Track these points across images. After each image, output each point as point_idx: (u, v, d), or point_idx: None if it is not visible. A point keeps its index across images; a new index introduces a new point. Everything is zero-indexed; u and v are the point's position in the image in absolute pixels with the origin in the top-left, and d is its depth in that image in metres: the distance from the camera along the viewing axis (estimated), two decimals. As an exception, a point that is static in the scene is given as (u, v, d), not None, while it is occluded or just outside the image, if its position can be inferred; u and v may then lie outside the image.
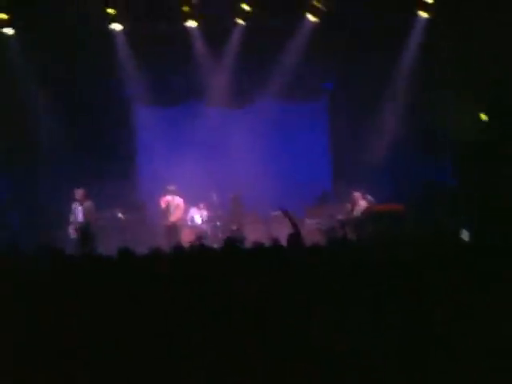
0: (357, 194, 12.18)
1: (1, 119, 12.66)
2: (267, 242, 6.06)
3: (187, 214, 12.82)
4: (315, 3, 11.75)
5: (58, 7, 11.66)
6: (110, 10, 11.82)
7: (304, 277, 4.49)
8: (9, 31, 11.94)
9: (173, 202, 12.43)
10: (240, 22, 12.20)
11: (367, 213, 11.78)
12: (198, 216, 12.88)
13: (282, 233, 11.61)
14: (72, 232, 11.61)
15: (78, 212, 11.84)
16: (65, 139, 12.86)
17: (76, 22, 11.91)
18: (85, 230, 10.75)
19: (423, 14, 12.13)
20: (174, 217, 12.43)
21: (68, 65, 12.82)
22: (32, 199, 12.80)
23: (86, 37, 12.38)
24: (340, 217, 12.11)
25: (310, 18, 12.03)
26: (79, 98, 13.24)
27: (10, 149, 13.04)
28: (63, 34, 12.27)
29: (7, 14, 11.69)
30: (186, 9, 11.81)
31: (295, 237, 6.09)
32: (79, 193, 11.81)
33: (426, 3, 11.93)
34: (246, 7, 11.79)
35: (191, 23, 12.09)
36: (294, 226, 6.23)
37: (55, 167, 12.99)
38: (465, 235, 7.63)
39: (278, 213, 12.51)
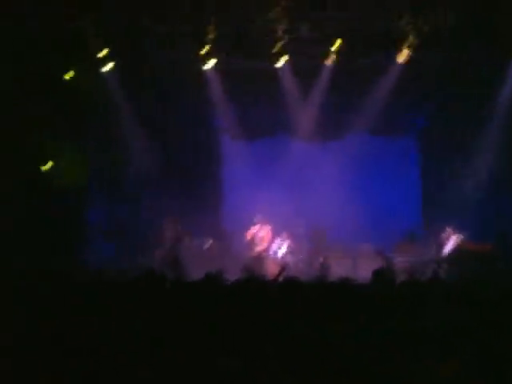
0: (448, 232, 11.96)
1: (99, 152, 13.36)
2: (354, 277, 6.05)
3: (272, 245, 12.95)
4: (405, 49, 11.72)
5: (153, 46, 12.24)
6: (203, 51, 12.18)
7: (387, 313, 4.49)
8: (108, 67, 12.52)
9: (259, 233, 12.65)
10: (329, 62, 12.27)
11: (458, 251, 11.53)
12: (282, 247, 12.97)
13: (369, 268, 11.60)
14: (158, 256, 12.10)
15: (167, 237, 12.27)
16: (153, 168, 13.32)
17: (171, 60, 12.44)
18: (175, 255, 11.20)
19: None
20: (259, 248, 12.65)
21: (161, 97, 13.37)
22: (128, 228, 13.27)
23: (180, 74, 12.88)
24: (430, 255, 11.91)
25: (401, 57, 11.99)
26: (170, 130, 13.75)
27: (107, 181, 13.69)
28: (158, 70, 12.83)
29: (106, 50, 12.26)
30: (275, 50, 12.04)
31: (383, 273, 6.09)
32: (169, 220, 12.31)
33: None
34: (334, 48, 11.89)
35: (280, 63, 12.27)
36: (389, 264, 6.20)
37: (148, 197, 13.43)
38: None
39: (365, 248, 12.50)
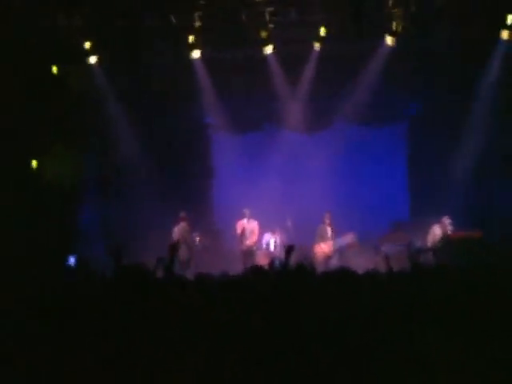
0: (440, 222, 11.87)
1: (90, 150, 13.20)
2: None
3: (262, 238, 12.83)
4: (394, 27, 11.59)
5: (140, 37, 12.04)
6: (190, 39, 12.04)
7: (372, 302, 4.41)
8: (93, 59, 12.34)
9: (248, 226, 12.52)
10: (316, 46, 12.17)
11: (446, 239, 11.45)
12: (272, 241, 12.86)
13: (355, 259, 11.54)
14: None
15: (174, 232, 12.14)
16: (143, 164, 13.15)
17: (158, 49, 12.25)
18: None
19: (505, 35, 11.79)
20: (249, 241, 12.51)
21: (149, 90, 13.20)
22: (116, 227, 13.00)
23: (167, 63, 12.70)
24: (418, 244, 11.80)
25: (388, 41, 11.86)
26: (158, 124, 13.55)
27: (98, 180, 13.53)
28: (145, 60, 12.65)
29: (91, 42, 12.08)
30: (263, 34, 11.90)
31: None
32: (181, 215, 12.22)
33: (508, 25, 11.60)
34: (322, 32, 11.76)
35: (268, 49, 12.15)
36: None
37: (135, 192, 13.18)
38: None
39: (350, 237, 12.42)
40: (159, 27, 12.00)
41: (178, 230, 12.25)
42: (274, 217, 12.72)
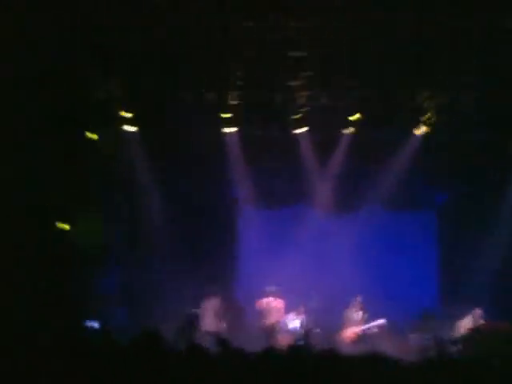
0: (470, 314, 11.55)
1: (110, 211, 13.32)
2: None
3: (286, 316, 12.60)
4: (426, 118, 11.72)
5: (173, 111, 12.30)
6: (225, 115, 12.27)
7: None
8: (131, 129, 12.58)
9: (272, 303, 12.35)
10: (348, 131, 12.31)
11: (476, 330, 11.09)
12: (297, 320, 12.59)
13: (381, 347, 11.22)
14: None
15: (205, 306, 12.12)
16: (168, 234, 13.11)
17: (191, 122, 12.50)
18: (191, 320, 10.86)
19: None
20: (272, 319, 12.30)
21: (177, 161, 13.36)
22: (140, 297, 12.94)
23: (198, 136, 12.88)
24: (446, 335, 11.47)
25: (418, 131, 11.89)
26: (185, 195, 13.60)
27: (121, 246, 13.57)
28: (177, 132, 12.86)
29: (131, 112, 12.37)
30: (296, 116, 12.13)
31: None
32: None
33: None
34: (354, 118, 11.94)
35: (300, 129, 12.34)
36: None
37: (159, 261, 13.14)
38: None
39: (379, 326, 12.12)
40: (195, 102, 12.26)
41: (208, 304, 12.13)
42: (298, 296, 12.55)
